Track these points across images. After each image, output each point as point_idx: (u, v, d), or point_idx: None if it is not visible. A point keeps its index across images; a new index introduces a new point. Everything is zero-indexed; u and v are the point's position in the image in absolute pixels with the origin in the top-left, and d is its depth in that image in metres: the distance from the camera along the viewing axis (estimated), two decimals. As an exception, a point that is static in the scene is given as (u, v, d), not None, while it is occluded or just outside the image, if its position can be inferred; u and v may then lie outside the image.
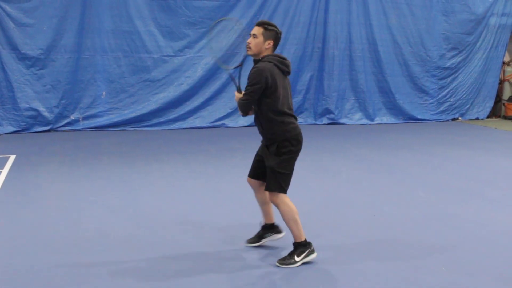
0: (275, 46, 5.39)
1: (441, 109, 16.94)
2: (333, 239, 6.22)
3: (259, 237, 5.93)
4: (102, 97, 14.32)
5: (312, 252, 5.48)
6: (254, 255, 5.71)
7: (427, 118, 16.71)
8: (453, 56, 16.83)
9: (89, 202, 7.56)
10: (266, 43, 5.31)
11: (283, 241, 5.88)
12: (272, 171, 5.34)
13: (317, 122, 15.85)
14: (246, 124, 14.85)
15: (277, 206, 5.42)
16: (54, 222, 6.71)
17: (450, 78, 16.90)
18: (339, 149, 11.97)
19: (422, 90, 16.69)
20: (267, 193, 5.60)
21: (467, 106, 17.27)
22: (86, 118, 14.24)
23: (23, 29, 13.63)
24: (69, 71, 13.99)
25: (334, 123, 15.83)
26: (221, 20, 6.47)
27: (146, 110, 14.53)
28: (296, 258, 5.40)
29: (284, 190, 5.38)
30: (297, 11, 15.45)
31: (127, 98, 14.46)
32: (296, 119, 5.51)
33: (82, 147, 11.80)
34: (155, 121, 14.62)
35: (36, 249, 5.78)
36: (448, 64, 16.78)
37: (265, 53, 5.34)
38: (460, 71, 16.99)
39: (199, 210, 7.28)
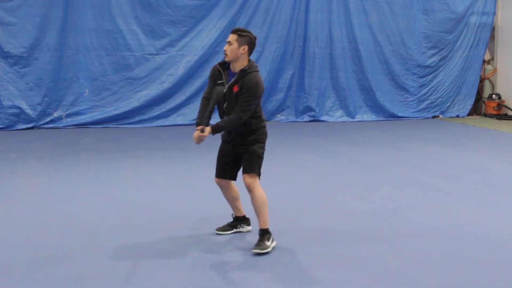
0: (250, 50, 5.75)
1: (421, 106, 17.13)
2: (290, 229, 6.43)
3: (231, 226, 6.28)
4: (85, 95, 14.49)
5: (273, 239, 5.84)
6: (208, 243, 5.90)
7: (408, 116, 16.90)
8: (433, 55, 17.02)
9: (58, 196, 7.77)
10: (241, 48, 5.65)
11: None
12: (254, 154, 5.76)
13: (298, 120, 16.03)
14: (227, 122, 15.00)
15: (252, 189, 5.74)
16: (20, 215, 6.91)
17: (431, 76, 17.10)
18: (315, 145, 12.16)
19: (402, 88, 16.88)
20: (236, 189, 6.06)
21: (448, 104, 17.45)
22: (69, 115, 14.39)
23: (6, 28, 13.78)
24: (52, 69, 14.15)
25: (315, 120, 16.01)
26: None
27: (128, 107, 14.70)
28: (267, 243, 5.72)
29: (260, 173, 5.84)
30: (277, 10, 15.63)
31: (110, 96, 14.64)
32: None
33: (63, 144, 11.99)
34: (137, 118, 14.80)
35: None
36: (429, 62, 16.98)
37: (241, 58, 5.68)
38: (440, 69, 17.19)
39: (166, 202, 7.49)
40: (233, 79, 5.68)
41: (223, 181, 6.02)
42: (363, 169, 9.87)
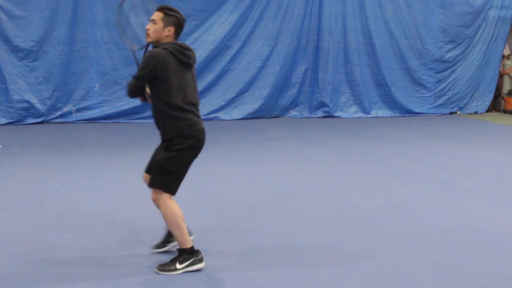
0: (177, 33, 5.05)
1: (438, 102, 16.80)
2: (291, 225, 6.20)
3: (164, 241, 5.44)
4: (95, 89, 14.36)
5: (199, 261, 5.02)
6: (146, 260, 5.34)
7: (424, 112, 16.58)
8: (451, 49, 16.67)
9: (51, 190, 7.61)
10: (166, 29, 4.98)
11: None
12: (157, 165, 4.91)
13: (312, 115, 15.78)
14: (239, 117, 14.86)
15: (158, 207, 4.96)
16: (13, 208, 6.78)
17: (448, 71, 16.75)
18: (326, 141, 11.92)
19: (419, 84, 16.56)
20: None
21: (466, 100, 17.11)
22: (79, 110, 14.28)
23: (15, 21, 13.68)
24: (62, 63, 14.03)
25: (329, 116, 15.75)
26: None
27: (138, 102, 14.40)
28: (178, 266, 4.95)
29: (169, 190, 4.93)
30: (291, 3, 15.37)
31: (120, 91, 14.47)
32: (197, 115, 5.03)
33: (70, 139, 11.85)
34: (147, 113, 14.57)
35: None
36: (446, 57, 16.64)
37: (165, 41, 4.98)
38: (458, 64, 16.84)
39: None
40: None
41: (147, 177, 5.17)
42: (372, 164, 9.61)
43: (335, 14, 15.65)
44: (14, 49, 13.71)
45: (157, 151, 5.17)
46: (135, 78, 4.90)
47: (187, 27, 14.41)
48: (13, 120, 13.75)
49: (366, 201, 7.27)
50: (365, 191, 7.78)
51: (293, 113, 15.76)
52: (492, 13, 16.93)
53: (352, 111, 16.04)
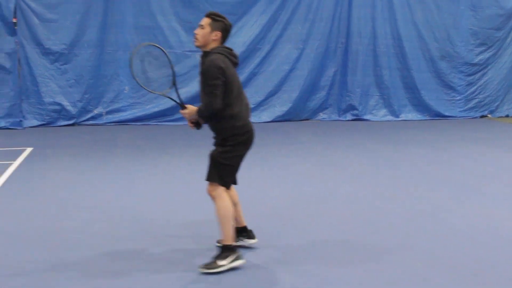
0: (223, 38, 5.20)
1: (469, 106, 16.62)
2: (313, 230, 6.18)
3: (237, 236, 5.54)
4: (125, 92, 14.52)
5: (239, 258, 5.14)
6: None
7: (454, 115, 16.41)
8: (481, 52, 16.48)
9: (85, 193, 7.68)
10: (213, 34, 5.13)
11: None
12: (212, 160, 5.15)
13: (340, 118, 15.74)
14: (268, 120, 14.89)
15: (213, 199, 5.17)
16: (44, 211, 6.86)
17: (479, 74, 16.56)
18: (354, 144, 11.87)
19: (449, 87, 16.41)
20: (234, 194, 5.43)
21: (497, 103, 16.89)
22: (109, 112, 14.45)
23: (47, 25, 13.91)
24: (92, 66, 14.23)
25: (358, 119, 15.69)
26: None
27: (168, 105, 14.61)
28: (221, 263, 5.05)
29: (224, 183, 5.16)
30: (320, 6, 15.36)
31: (150, 93, 14.54)
32: (248, 114, 5.29)
33: (100, 141, 11.99)
34: (177, 115, 14.68)
35: (17, 236, 5.91)
36: (476, 60, 16.45)
37: (212, 45, 5.15)
38: (489, 67, 16.63)
39: (192, 202, 7.29)
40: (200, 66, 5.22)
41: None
42: (400, 168, 9.54)
43: (364, 17, 15.59)
44: (46, 52, 13.93)
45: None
46: (212, 92, 4.97)
47: (216, 30, 14.57)
48: (44, 122, 13.98)
49: (392, 206, 7.20)
50: (392, 196, 7.71)
51: (322, 116, 15.74)
52: (524, 15, 16.72)
53: (381, 114, 15.95)
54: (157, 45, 5.68)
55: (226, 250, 5.12)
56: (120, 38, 14.34)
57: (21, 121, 13.81)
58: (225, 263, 5.05)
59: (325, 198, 7.53)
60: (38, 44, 13.87)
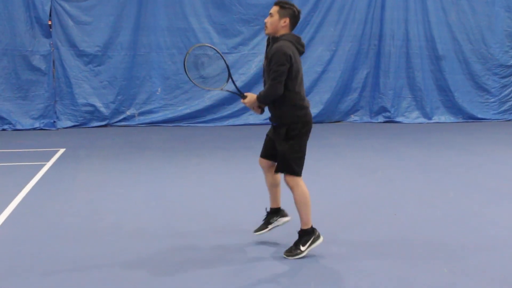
0: (292, 24, 5.32)
1: (503, 108, 16.42)
2: (345, 236, 6.14)
3: (266, 223, 5.85)
4: (157, 93, 14.62)
5: (317, 238, 5.50)
6: (257, 248, 5.70)
7: (488, 118, 16.23)
8: (516, 54, 16.31)
9: (115, 195, 7.74)
10: (282, 21, 5.26)
11: (287, 231, 5.82)
12: (283, 156, 5.37)
13: (372, 120, 15.68)
14: (299, 122, 14.85)
15: (291, 188, 5.41)
16: (75, 212, 6.92)
17: (514, 76, 16.39)
18: (385, 147, 11.78)
19: (483, 89, 16.23)
20: (278, 175, 5.64)
21: (532, 106, 16.70)
22: (141, 114, 14.57)
23: (81, 27, 14.10)
24: (125, 67, 14.38)
25: (390, 121, 15.61)
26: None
27: (200, 106, 14.73)
28: (302, 248, 5.41)
29: (298, 173, 5.41)
30: (352, 8, 15.33)
31: (182, 95, 14.71)
32: (307, 102, 5.46)
33: (132, 142, 12.09)
34: (209, 117, 14.80)
35: (48, 236, 5.99)
36: (511, 62, 16.25)
37: (281, 31, 5.30)
38: (524, 69, 16.44)
39: (219, 205, 7.30)
40: (266, 52, 5.40)
41: (264, 161, 5.64)
42: (432, 172, 9.44)
43: (397, 19, 15.51)
44: (80, 54, 14.11)
45: (270, 136, 5.56)
46: (277, 76, 5.17)
47: (249, 31, 14.64)
48: (78, 123, 14.16)
49: (423, 211, 7.13)
50: (423, 201, 7.64)
51: (353, 118, 15.69)
52: (560, 16, 16.46)
53: (414, 117, 15.84)
54: (206, 44, 5.90)
55: (305, 235, 5.46)
56: (153, 40, 14.46)
57: (54, 122, 14.00)
58: (304, 249, 5.42)
59: (354, 203, 7.46)
60: (73, 46, 14.06)
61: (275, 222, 5.85)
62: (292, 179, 5.38)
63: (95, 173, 9.08)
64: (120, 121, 14.45)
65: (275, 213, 5.87)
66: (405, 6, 15.51)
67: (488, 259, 5.50)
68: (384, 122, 15.60)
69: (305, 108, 5.39)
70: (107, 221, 6.60)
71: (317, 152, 10.89)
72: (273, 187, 5.77)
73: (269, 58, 5.25)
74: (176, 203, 7.38)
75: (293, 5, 5.34)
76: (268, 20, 5.33)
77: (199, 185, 8.39)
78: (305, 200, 5.41)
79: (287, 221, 5.90)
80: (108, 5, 14.12)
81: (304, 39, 14.80)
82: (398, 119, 15.70)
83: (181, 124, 14.61)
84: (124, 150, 11.08)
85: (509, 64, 16.24)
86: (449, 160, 10.43)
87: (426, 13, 15.64)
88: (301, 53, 5.40)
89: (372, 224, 6.59)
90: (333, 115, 15.45)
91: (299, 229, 5.49)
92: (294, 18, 5.33)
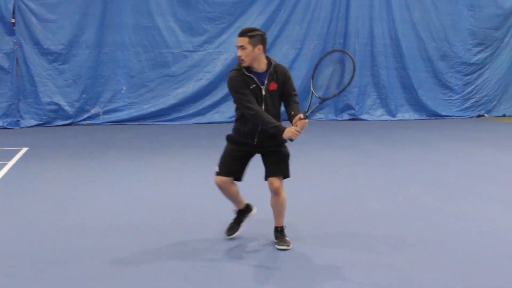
0: (265, 47, 5.45)
1: (466, 105, 16.66)
2: (309, 232, 6.20)
3: (237, 223, 5.94)
4: (122, 91, 14.56)
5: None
6: (224, 243, 5.74)
7: (451, 115, 16.44)
8: (479, 52, 16.53)
9: (79, 193, 7.71)
10: (256, 49, 5.34)
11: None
12: (285, 158, 5.62)
13: (337, 118, 15.80)
14: (265, 119, 14.89)
15: (279, 193, 5.55)
16: (37, 211, 6.88)
17: (476, 74, 16.60)
18: (350, 144, 11.91)
19: (446, 86, 16.45)
20: (236, 183, 5.72)
21: (494, 103, 16.93)
22: (106, 112, 14.50)
23: (45, 25, 13.98)
24: (90, 66, 14.29)
25: (355, 119, 15.74)
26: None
27: (165, 104, 14.70)
28: (287, 238, 5.70)
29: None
30: (317, 7, 15.42)
31: (147, 93, 14.68)
32: None
33: (97, 141, 12.04)
34: (174, 115, 14.78)
35: (11, 237, 5.95)
36: (474, 60, 16.49)
37: (259, 57, 5.40)
38: (486, 67, 16.68)
39: (187, 202, 7.31)
40: (268, 78, 5.47)
41: (228, 181, 5.65)
42: (395, 169, 9.56)
43: (362, 17, 15.65)
44: (44, 52, 14.00)
45: (243, 153, 5.68)
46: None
47: (214, 30, 14.66)
48: (42, 122, 14.04)
49: (385, 206, 7.23)
50: (385, 196, 7.74)
51: (318, 115, 15.77)
52: (522, 15, 16.75)
53: (378, 114, 16.00)
54: (349, 54, 6.07)
55: (283, 230, 5.77)
56: (118, 38, 14.40)
57: (18, 121, 13.87)
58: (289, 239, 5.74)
59: (317, 199, 7.54)
60: (36, 44, 13.93)
61: (246, 218, 5.98)
62: (282, 183, 5.57)
63: (59, 172, 9.03)
64: (84, 119, 14.35)
65: (245, 210, 5.98)
66: (369, 4, 15.65)
67: (446, 253, 5.61)
68: (349, 119, 15.73)
69: None
70: (71, 219, 6.58)
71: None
72: (237, 196, 5.83)
73: (281, 80, 5.53)
74: (141, 201, 7.38)
75: (258, 30, 5.46)
76: (241, 53, 5.34)
77: (165, 183, 8.40)
78: (286, 204, 5.69)
79: (255, 213, 6.03)
80: (73, 3, 14.02)
81: (270, 37, 15.07)
82: (363, 116, 15.85)
83: (146, 123, 14.56)
84: (89, 149, 11.03)
85: (471, 62, 16.48)
86: (413, 157, 10.59)
87: (390, 11, 15.80)
88: None
89: (335, 220, 6.68)
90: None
91: (279, 226, 5.75)
92: (264, 41, 5.45)
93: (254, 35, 5.35)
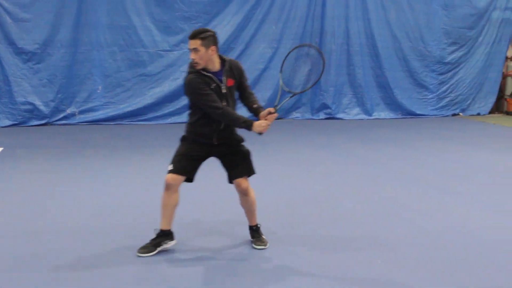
0: (217, 47, 5.37)
1: (441, 104, 16.81)
2: (285, 231, 6.24)
3: (155, 245, 5.54)
4: (98, 91, 14.46)
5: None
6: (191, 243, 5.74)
7: (427, 114, 16.58)
8: (453, 51, 16.69)
9: (55, 194, 7.67)
10: (210, 50, 5.26)
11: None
12: (248, 156, 5.65)
13: (314, 117, 15.83)
14: (242, 119, 14.89)
15: (248, 193, 5.62)
16: (10, 212, 6.85)
17: (451, 73, 16.76)
18: (327, 143, 11.95)
19: (421, 85, 16.59)
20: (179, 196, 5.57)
21: (468, 102, 17.10)
22: (82, 112, 14.38)
23: (20, 24, 13.81)
24: (66, 65, 14.15)
25: (331, 118, 15.80)
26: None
27: (141, 104, 14.64)
28: (264, 236, 5.80)
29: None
30: (293, 6, 15.44)
31: (123, 93, 14.60)
32: None
33: (73, 141, 11.95)
34: (150, 115, 14.72)
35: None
36: (449, 59, 16.65)
37: (213, 58, 5.32)
38: (461, 66, 16.85)
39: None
40: (225, 75, 5.41)
41: (180, 180, 5.52)
42: (371, 167, 9.64)
43: (338, 16, 15.69)
44: (19, 52, 13.85)
45: (199, 152, 5.56)
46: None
47: (190, 29, 14.52)
48: (16, 122, 13.88)
49: (360, 205, 7.30)
50: (361, 195, 7.81)
51: (295, 115, 15.81)
52: (495, 14, 16.92)
53: (354, 113, 16.08)
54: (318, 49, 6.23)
55: (258, 228, 5.84)
56: (94, 37, 14.28)
57: (-8, 121, 13.76)
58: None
59: (292, 198, 7.59)
60: (11, 43, 13.77)
61: (164, 244, 5.57)
62: (248, 183, 5.63)
63: (34, 173, 8.96)
64: (60, 119, 14.22)
65: (167, 235, 5.61)
66: (345, 3, 15.71)
67: (420, 250, 5.69)
68: (325, 118, 15.79)
69: None
70: (46, 220, 6.54)
71: (259, 149, 10.95)
72: (173, 208, 5.59)
73: (237, 75, 5.51)
74: (118, 201, 7.36)
75: (208, 30, 5.37)
76: (195, 56, 5.25)
77: (142, 182, 8.38)
78: (255, 200, 5.74)
79: (173, 245, 5.64)
80: (48, 2, 13.86)
81: (246, 36, 15.14)
82: (339, 115, 15.91)
83: (122, 122, 14.48)
84: (65, 149, 10.95)
85: (446, 61, 16.63)
86: (388, 155, 10.68)
87: (366, 10, 15.88)
88: None
89: (311, 218, 6.74)
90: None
91: (253, 225, 5.83)
92: (216, 41, 5.37)
93: (206, 37, 5.26)
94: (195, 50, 5.24)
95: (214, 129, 5.46)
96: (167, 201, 5.56)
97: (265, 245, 5.67)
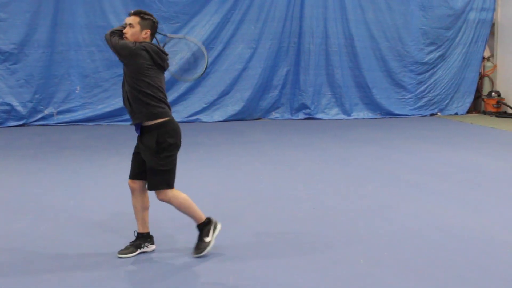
0: (152, 36, 5.30)
1: (419, 104, 16.90)
2: (265, 230, 6.22)
3: (135, 246, 5.49)
4: (76, 92, 14.37)
5: (216, 224, 5.56)
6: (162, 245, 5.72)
7: (405, 113, 16.66)
8: (431, 51, 16.80)
9: (32, 195, 7.59)
10: (143, 32, 5.19)
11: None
12: (153, 171, 5.22)
13: (293, 117, 15.85)
14: (221, 119, 14.91)
15: (169, 202, 5.34)
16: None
17: (429, 73, 16.87)
18: (306, 143, 11.95)
19: (399, 85, 16.67)
20: (148, 197, 5.50)
21: (446, 102, 17.21)
22: (60, 112, 14.28)
23: (-4, 24, 13.71)
24: (43, 66, 14.06)
25: (310, 118, 15.83)
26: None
27: (120, 104, 14.37)
28: (207, 239, 5.44)
29: (171, 185, 5.30)
30: (272, 6, 15.45)
31: (101, 93, 14.51)
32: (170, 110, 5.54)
33: (50, 142, 11.86)
34: (128, 116, 14.60)
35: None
36: (426, 59, 16.76)
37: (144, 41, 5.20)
38: (438, 66, 16.96)
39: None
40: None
41: (137, 183, 5.42)
42: (351, 167, 9.67)
43: (316, 16, 15.73)
44: (-5, 52, 13.72)
45: (138, 154, 5.41)
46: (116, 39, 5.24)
47: (169, 29, 14.57)
48: (-7, 123, 13.75)
49: (341, 204, 7.30)
50: (341, 194, 7.82)
51: (274, 115, 15.83)
52: (472, 15, 17.06)
53: (333, 113, 16.12)
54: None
55: (205, 226, 5.48)
56: (71, 37, 14.20)
57: (-32, 122, 13.61)
58: (210, 238, 5.46)
59: (274, 198, 7.58)
60: (-13, 43, 13.68)
61: (144, 247, 5.52)
62: (165, 193, 5.28)
63: (11, 174, 8.86)
64: (38, 120, 14.11)
65: (146, 237, 5.57)
66: (324, 4, 15.75)
67: (401, 249, 5.70)
68: (304, 118, 15.81)
69: (170, 116, 5.47)
70: (22, 222, 6.47)
71: (239, 148, 10.98)
72: (143, 211, 5.51)
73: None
74: (97, 202, 7.30)
75: (152, 16, 5.32)
76: (128, 31, 5.16)
77: (119, 184, 8.30)
78: (187, 203, 5.39)
79: (153, 250, 5.59)
80: (24, 2, 13.76)
81: (224, 37, 15.11)
82: (318, 115, 15.94)
83: (101, 123, 14.40)
84: (43, 150, 10.86)
85: (424, 61, 16.73)
86: (367, 155, 10.69)
87: (344, 11, 15.94)
88: (159, 66, 5.29)
89: (292, 218, 6.71)
90: (254, 112, 15.54)
91: (199, 224, 5.49)
92: (154, 29, 5.30)
93: (146, 18, 5.21)
94: (130, 25, 5.17)
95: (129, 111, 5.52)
96: (134, 204, 5.52)
97: (199, 253, 5.38)
